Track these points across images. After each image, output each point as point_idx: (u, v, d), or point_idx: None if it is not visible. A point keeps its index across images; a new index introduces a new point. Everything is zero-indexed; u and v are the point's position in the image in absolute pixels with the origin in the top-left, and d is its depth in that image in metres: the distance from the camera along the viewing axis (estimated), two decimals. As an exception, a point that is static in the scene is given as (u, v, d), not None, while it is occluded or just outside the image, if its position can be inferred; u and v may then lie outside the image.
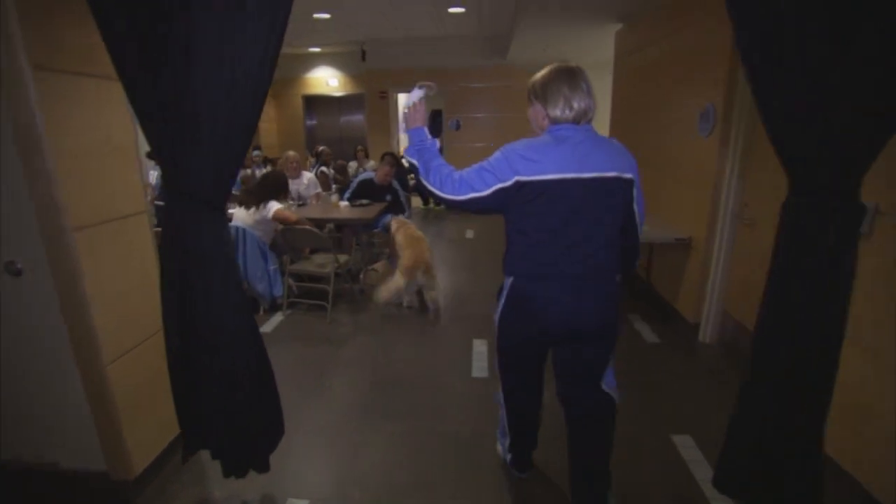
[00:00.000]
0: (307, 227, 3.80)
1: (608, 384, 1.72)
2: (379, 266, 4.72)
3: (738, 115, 2.94)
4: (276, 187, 4.02)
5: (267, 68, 1.42)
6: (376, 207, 4.70)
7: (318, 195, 5.30)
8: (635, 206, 1.61)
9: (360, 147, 7.36)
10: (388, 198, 5.07)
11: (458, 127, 8.77)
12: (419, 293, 4.12)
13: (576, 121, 1.51)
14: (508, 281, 1.64)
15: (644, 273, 4.03)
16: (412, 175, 8.64)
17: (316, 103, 10.13)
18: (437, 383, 2.95)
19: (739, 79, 2.88)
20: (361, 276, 4.61)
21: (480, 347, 3.38)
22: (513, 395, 1.90)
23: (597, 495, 1.78)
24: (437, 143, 1.71)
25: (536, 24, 5.67)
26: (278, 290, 3.98)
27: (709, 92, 3.19)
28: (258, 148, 8.16)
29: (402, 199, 5.42)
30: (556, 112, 1.51)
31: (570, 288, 1.54)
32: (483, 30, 7.77)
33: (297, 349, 3.43)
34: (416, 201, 8.52)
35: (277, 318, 3.94)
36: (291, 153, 5.25)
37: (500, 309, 1.67)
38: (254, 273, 3.87)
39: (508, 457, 2.07)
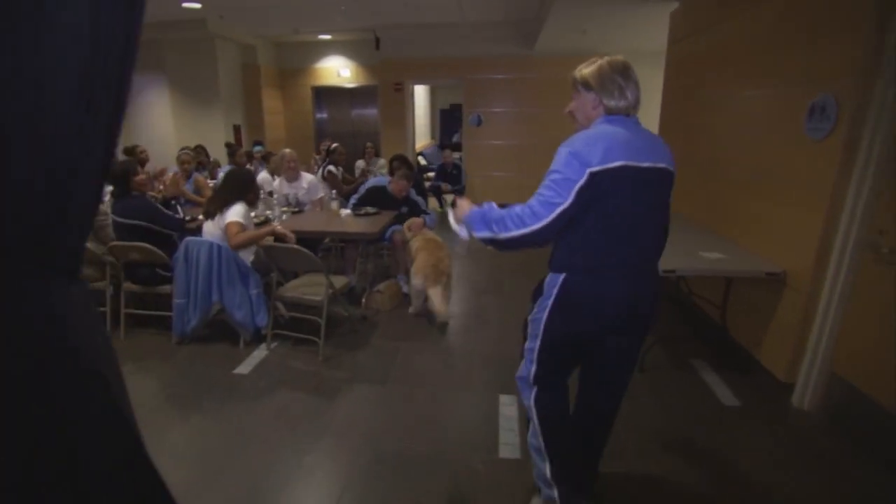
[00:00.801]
0: (291, 245, 3.09)
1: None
2: (384, 287, 3.99)
3: (878, 112, 2.13)
4: (238, 188, 3.28)
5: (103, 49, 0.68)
6: (383, 218, 3.97)
7: (321, 200, 4.60)
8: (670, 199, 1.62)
9: (368, 144, 6.61)
10: (405, 210, 4.34)
11: (479, 122, 8.00)
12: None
13: (627, 112, 1.54)
14: (559, 278, 1.56)
15: (716, 311, 3.22)
16: (429, 176, 7.71)
17: (326, 95, 9.44)
18: (452, 464, 2.22)
19: (884, 62, 2.07)
20: (364, 299, 3.89)
21: (509, 408, 2.63)
22: (547, 394, 1.75)
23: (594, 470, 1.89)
24: (493, 204, 1.64)
25: (574, 5, 4.87)
26: (262, 319, 3.28)
27: (826, 79, 2.38)
28: (259, 143, 7.51)
29: (424, 209, 4.69)
30: (612, 102, 1.53)
31: (625, 277, 1.54)
32: (509, 14, 6.97)
33: (276, 401, 2.72)
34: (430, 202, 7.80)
35: (260, 352, 3.25)
36: (287, 151, 4.55)
37: (547, 308, 1.59)
38: (231, 299, 3.17)
39: (555, 493, 1.75)
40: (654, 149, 1.51)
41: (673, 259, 2.74)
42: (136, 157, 5.29)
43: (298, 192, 4.49)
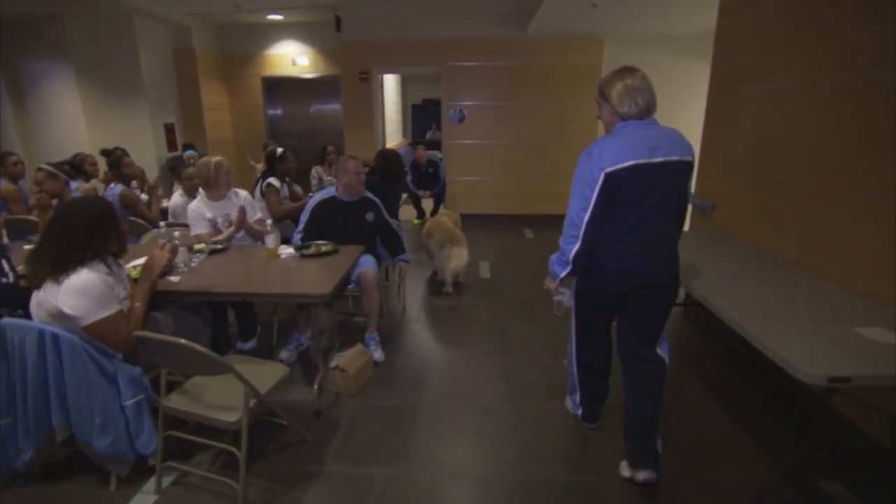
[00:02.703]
0: (181, 342, 1.80)
1: (662, 349, 2.03)
2: (348, 359, 2.76)
3: None
4: (87, 234, 1.88)
5: None
6: (344, 259, 2.73)
7: (260, 225, 3.31)
8: (690, 184, 1.86)
9: (330, 147, 5.26)
10: (370, 216, 3.13)
11: (461, 118, 6.78)
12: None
13: (640, 116, 1.76)
14: None
15: (880, 422, 2.11)
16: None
17: (280, 87, 8.05)
18: None
19: None
20: (318, 380, 2.64)
21: None
22: (584, 350, 2.19)
23: (649, 446, 1.99)
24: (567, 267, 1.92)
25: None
26: (148, 444, 2.01)
27: None
28: (191, 146, 6.10)
29: (397, 227, 3.47)
30: (624, 109, 1.76)
31: (639, 251, 1.80)
32: (498, -13, 5.79)
33: None
34: (408, 211, 6.56)
35: (145, 497, 1.98)
36: (215, 160, 3.22)
37: (576, 278, 2.00)
38: (84, 420, 1.89)
39: (579, 411, 2.38)
40: (669, 144, 1.74)
41: (821, 344, 1.66)
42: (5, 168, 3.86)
43: (231, 212, 3.18)
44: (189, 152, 5.77)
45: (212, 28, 7.42)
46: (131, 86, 6.16)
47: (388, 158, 4.25)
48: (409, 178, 6.46)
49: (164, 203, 4.13)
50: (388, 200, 3.64)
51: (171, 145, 6.84)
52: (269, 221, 2.88)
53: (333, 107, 8.02)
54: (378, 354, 3.05)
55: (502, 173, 6.92)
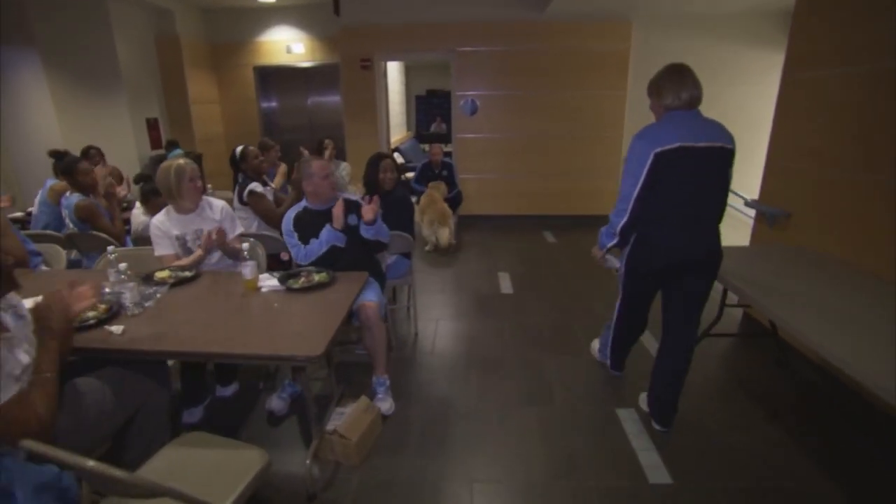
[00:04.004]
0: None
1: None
2: (350, 419, 2.17)
3: None
4: None
5: None
6: (346, 291, 2.14)
7: (238, 242, 2.73)
8: (731, 171, 2.00)
9: (326, 140, 4.62)
10: (354, 222, 2.55)
11: (473, 110, 6.15)
12: None
13: (683, 108, 1.96)
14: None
15: None
16: (409, 177, 5.81)
17: (274, 78, 7.43)
18: None
19: None
20: (312, 449, 2.05)
21: None
22: (625, 318, 2.46)
23: (674, 403, 2.31)
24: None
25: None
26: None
27: None
28: (176, 144, 5.49)
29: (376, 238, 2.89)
30: (668, 101, 1.97)
31: (684, 229, 2.01)
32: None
33: None
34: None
35: None
36: (176, 164, 2.57)
37: (628, 249, 2.16)
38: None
39: (608, 361, 2.73)
40: (712, 131, 1.94)
41: None
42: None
43: (205, 227, 2.59)
44: (176, 152, 5.16)
45: (198, 13, 6.79)
46: (107, 77, 5.55)
47: (371, 170, 3.29)
48: (415, 176, 5.85)
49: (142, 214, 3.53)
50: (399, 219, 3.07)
51: (156, 142, 6.24)
52: (245, 245, 2.28)
53: (333, 98, 7.41)
54: (388, 405, 2.47)
55: (518, 170, 6.30)
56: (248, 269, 2.19)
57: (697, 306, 2.18)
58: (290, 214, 2.62)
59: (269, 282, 2.22)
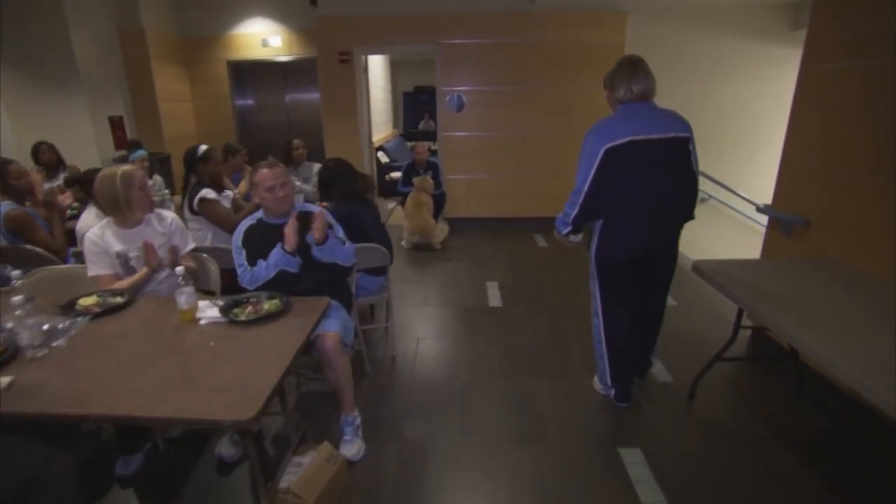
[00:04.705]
0: None
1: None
2: (311, 469, 1.83)
3: None
4: None
5: None
6: (300, 322, 1.79)
7: (190, 258, 2.39)
8: (692, 158, 2.07)
9: (296, 141, 4.21)
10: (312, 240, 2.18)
11: (459, 106, 5.80)
12: None
13: (636, 100, 2.01)
14: (599, 223, 2.16)
15: None
16: (394, 177, 5.58)
17: (249, 73, 7.03)
18: None
19: None
20: (259, 516, 1.70)
21: None
22: (609, 318, 2.30)
23: (647, 361, 2.52)
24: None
25: None
26: None
27: None
28: (139, 145, 5.08)
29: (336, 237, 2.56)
30: (620, 94, 2.04)
31: (644, 220, 2.08)
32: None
33: None
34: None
35: None
36: (122, 170, 2.24)
37: (595, 244, 2.20)
38: None
39: (612, 392, 2.45)
40: (665, 123, 2.00)
41: None
42: None
43: (153, 243, 2.22)
44: (139, 153, 4.75)
45: (166, 3, 6.36)
46: (63, 71, 5.13)
47: (336, 172, 2.91)
48: (401, 176, 5.51)
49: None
50: (360, 229, 2.72)
51: (121, 142, 5.82)
52: (179, 270, 1.91)
53: (313, 95, 7.02)
54: (355, 450, 2.13)
55: (508, 170, 5.97)
56: (183, 298, 1.83)
57: (664, 287, 2.33)
58: (242, 226, 2.26)
59: (209, 311, 1.87)
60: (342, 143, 6.03)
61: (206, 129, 7.07)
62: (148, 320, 1.89)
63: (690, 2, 5.37)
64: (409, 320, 3.49)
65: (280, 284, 2.09)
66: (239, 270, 2.17)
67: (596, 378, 2.58)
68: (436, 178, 5.43)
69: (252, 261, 2.15)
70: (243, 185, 3.75)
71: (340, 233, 2.31)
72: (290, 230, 2.07)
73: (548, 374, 2.78)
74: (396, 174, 6.15)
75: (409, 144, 9.23)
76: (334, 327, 2.07)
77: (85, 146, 5.31)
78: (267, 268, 2.09)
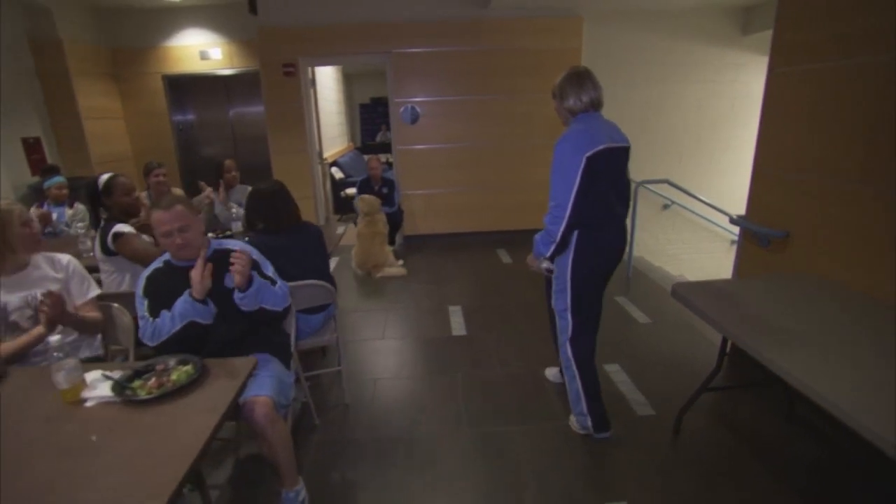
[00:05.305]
0: None
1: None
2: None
3: None
4: None
5: None
6: (220, 390, 1.44)
7: (92, 308, 2.01)
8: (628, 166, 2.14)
9: (227, 162, 3.74)
10: (231, 283, 1.82)
11: (414, 119, 5.52)
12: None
13: (587, 109, 2.03)
14: (574, 234, 2.05)
15: None
16: (350, 193, 5.27)
17: (188, 88, 6.53)
18: None
19: None
20: None
21: None
22: (581, 340, 2.18)
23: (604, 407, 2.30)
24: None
25: None
26: None
27: None
28: (55, 171, 4.53)
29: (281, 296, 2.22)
30: (569, 104, 2.04)
31: (617, 228, 2.12)
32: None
33: None
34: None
35: None
36: (3, 206, 1.87)
37: (570, 258, 2.07)
38: None
39: (589, 422, 2.24)
40: (618, 132, 2.05)
41: None
42: None
43: (39, 292, 1.81)
44: (55, 180, 4.21)
45: (86, 12, 5.80)
46: (-36, 89, 4.53)
47: (262, 198, 2.50)
48: (356, 192, 5.16)
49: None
50: (296, 262, 2.39)
51: (39, 166, 5.22)
52: (54, 338, 1.52)
53: (258, 109, 6.57)
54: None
55: (467, 183, 5.72)
56: (62, 375, 1.44)
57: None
58: (146, 272, 1.88)
59: (98, 390, 1.48)
60: (290, 160, 5.64)
61: (142, 147, 6.51)
62: (19, 403, 1.49)
63: (641, 5, 5.30)
64: (366, 357, 3.15)
65: (190, 338, 1.73)
66: (140, 323, 1.79)
67: (572, 417, 2.34)
68: (391, 195, 5.12)
69: (155, 311, 1.77)
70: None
71: (270, 270, 1.97)
72: (197, 273, 1.72)
73: (520, 416, 2.49)
74: (352, 190, 5.79)
75: (366, 157, 8.92)
76: (265, 390, 1.73)
77: (-8, 171, 4.71)
78: (172, 319, 1.72)
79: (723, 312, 1.92)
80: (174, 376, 1.53)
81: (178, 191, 4.02)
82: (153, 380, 1.51)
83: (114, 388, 1.46)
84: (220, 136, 6.77)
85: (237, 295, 1.78)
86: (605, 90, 2.07)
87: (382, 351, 3.23)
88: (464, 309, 3.82)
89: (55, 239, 3.82)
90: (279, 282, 1.93)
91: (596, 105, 2.03)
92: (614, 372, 2.82)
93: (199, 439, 1.26)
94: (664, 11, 5.45)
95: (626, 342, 3.18)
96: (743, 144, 5.78)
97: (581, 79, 2.01)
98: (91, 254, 2.91)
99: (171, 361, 1.60)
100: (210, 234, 3.47)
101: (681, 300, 2.11)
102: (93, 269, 2.47)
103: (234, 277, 1.74)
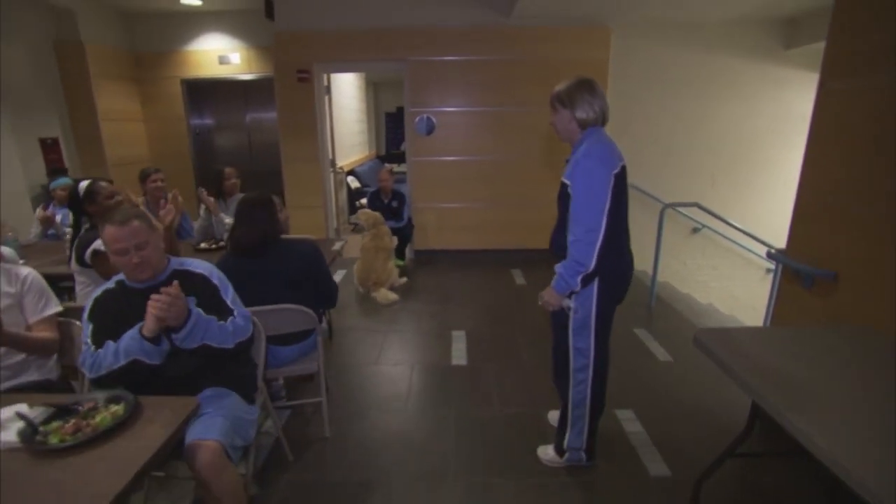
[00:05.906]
0: None
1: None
2: None
3: None
4: None
5: None
6: (151, 434, 1.22)
7: (49, 327, 1.85)
8: None
9: (227, 170, 3.62)
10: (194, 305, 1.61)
11: (429, 129, 5.31)
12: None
13: (596, 122, 1.86)
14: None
15: None
16: (363, 203, 5.09)
17: (206, 92, 6.50)
18: None
19: None
20: None
21: None
22: (601, 366, 2.02)
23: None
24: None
25: None
26: None
27: None
28: (62, 172, 4.50)
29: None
30: (582, 115, 1.84)
31: (629, 252, 1.99)
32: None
33: None
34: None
35: None
36: None
37: (595, 290, 1.89)
38: None
39: (583, 455, 2.14)
40: (619, 150, 1.88)
41: None
42: None
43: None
44: (61, 181, 4.17)
45: (110, 16, 5.83)
46: (-17, 88, 4.55)
47: (239, 210, 2.30)
48: (366, 203, 4.98)
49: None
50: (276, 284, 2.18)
51: (53, 166, 5.23)
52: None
53: (275, 115, 6.49)
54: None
55: (483, 198, 5.46)
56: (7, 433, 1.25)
57: None
58: (97, 291, 1.69)
59: (6, 433, 1.28)
60: (301, 168, 5.50)
61: (159, 151, 6.51)
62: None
63: (676, 17, 4.99)
64: (356, 385, 2.91)
65: (134, 374, 1.52)
66: (83, 349, 1.60)
67: (550, 450, 2.24)
68: (400, 209, 4.92)
69: (99, 340, 1.57)
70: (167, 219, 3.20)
71: (230, 295, 1.76)
72: (152, 307, 1.50)
73: (515, 466, 2.20)
74: (365, 200, 5.62)
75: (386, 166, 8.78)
76: (212, 433, 1.50)
77: (7, 172, 4.70)
78: (115, 354, 1.52)
79: (751, 371, 1.60)
80: (97, 418, 1.31)
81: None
82: (72, 420, 1.31)
83: (20, 434, 1.25)
84: (236, 141, 6.71)
85: (172, 335, 1.56)
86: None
87: (374, 378, 2.99)
88: (468, 335, 3.55)
89: (57, 241, 3.75)
90: (237, 310, 1.72)
91: (606, 118, 1.89)
92: (627, 420, 2.50)
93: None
94: (699, 24, 5.12)
95: (642, 384, 2.84)
96: (783, 167, 5.36)
97: (593, 86, 1.86)
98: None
99: (101, 399, 1.40)
100: (203, 244, 3.33)
101: (703, 350, 1.80)
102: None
103: (149, 320, 1.50)
